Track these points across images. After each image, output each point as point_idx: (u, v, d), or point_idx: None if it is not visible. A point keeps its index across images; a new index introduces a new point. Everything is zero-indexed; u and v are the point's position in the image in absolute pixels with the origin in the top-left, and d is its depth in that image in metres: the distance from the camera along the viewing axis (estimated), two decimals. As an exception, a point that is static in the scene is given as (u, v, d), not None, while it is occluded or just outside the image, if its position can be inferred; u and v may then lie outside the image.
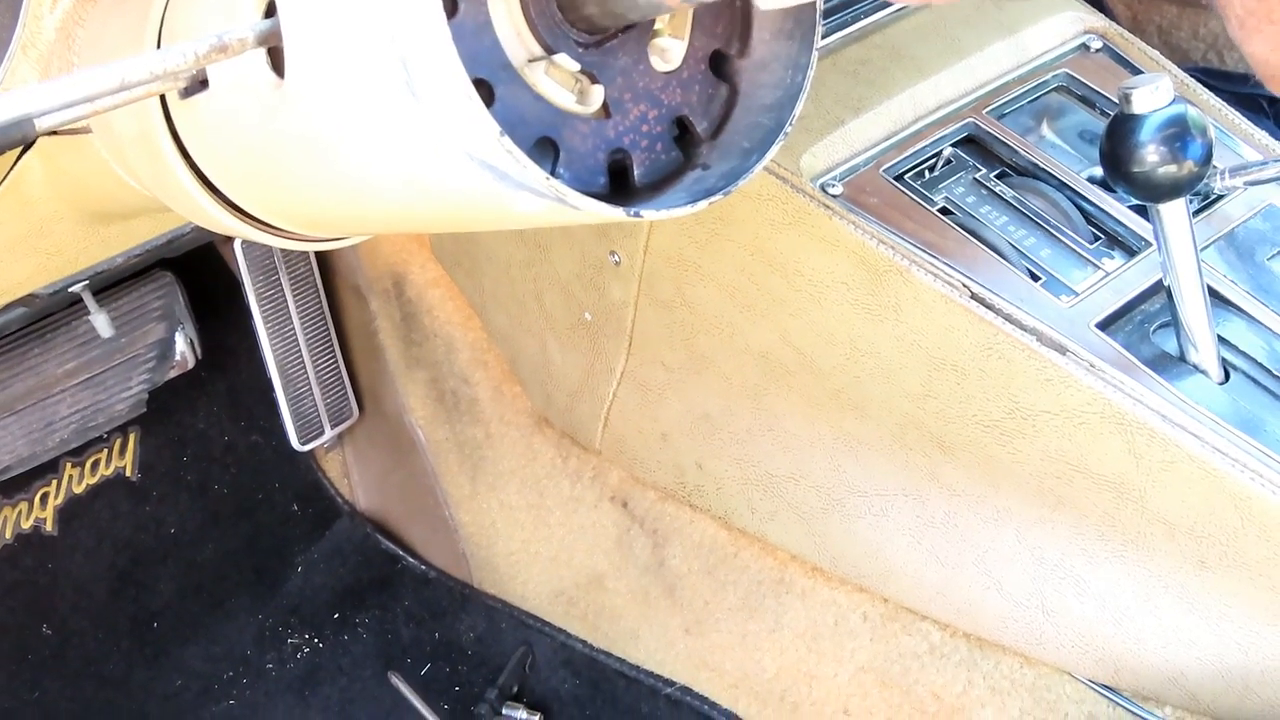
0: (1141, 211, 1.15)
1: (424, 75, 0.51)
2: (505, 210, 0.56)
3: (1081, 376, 1.02)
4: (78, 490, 1.49)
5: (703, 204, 0.57)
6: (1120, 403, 1.01)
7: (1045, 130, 1.27)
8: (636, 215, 0.54)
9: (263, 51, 0.61)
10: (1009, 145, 1.20)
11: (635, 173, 0.59)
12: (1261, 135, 1.22)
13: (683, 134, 0.61)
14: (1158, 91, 0.97)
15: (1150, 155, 0.97)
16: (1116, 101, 1.03)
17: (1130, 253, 1.14)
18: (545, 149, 0.56)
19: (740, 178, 0.57)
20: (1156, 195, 0.99)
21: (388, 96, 0.53)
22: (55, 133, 0.89)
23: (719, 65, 0.61)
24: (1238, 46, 0.49)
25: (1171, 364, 1.04)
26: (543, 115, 0.56)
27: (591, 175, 0.57)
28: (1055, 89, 1.27)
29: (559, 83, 0.56)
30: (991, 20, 1.29)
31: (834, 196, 1.12)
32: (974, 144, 1.22)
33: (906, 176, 1.17)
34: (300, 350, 1.55)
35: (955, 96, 1.23)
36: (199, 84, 0.66)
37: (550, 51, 0.56)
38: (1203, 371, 1.04)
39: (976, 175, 1.18)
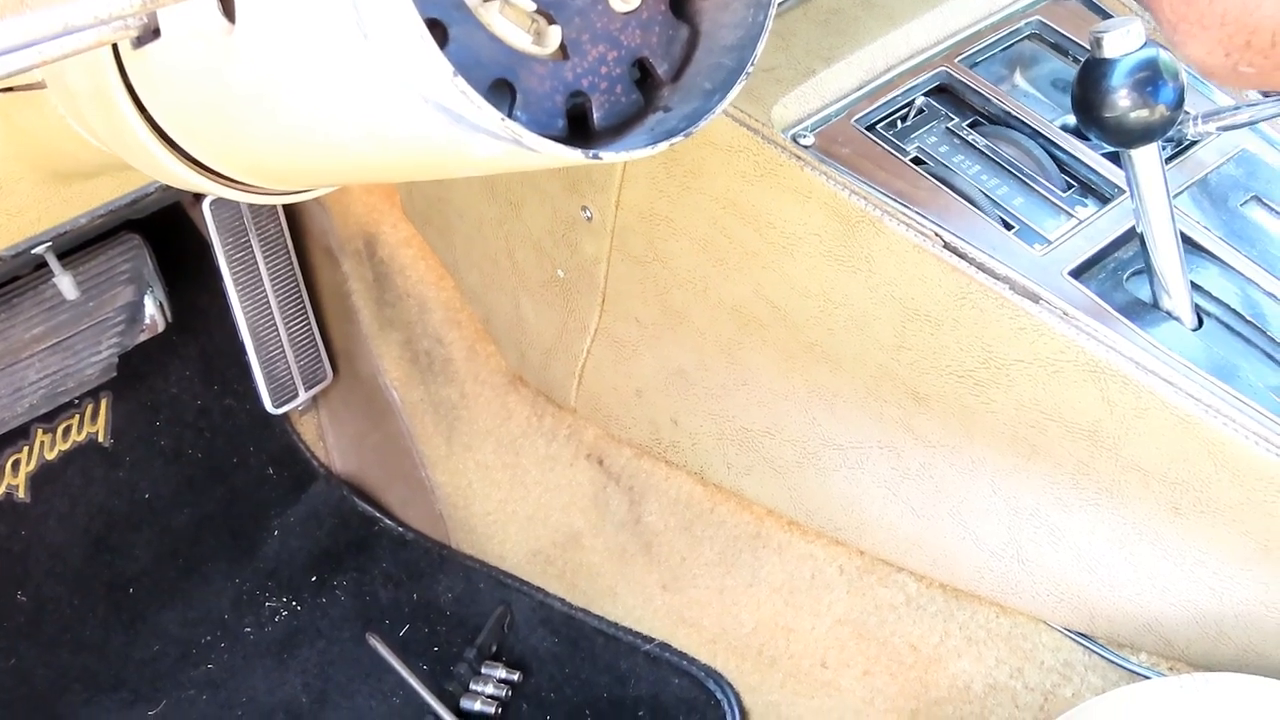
0: (1114, 159, 1.14)
1: (375, 15, 0.50)
2: (463, 155, 0.55)
3: (1055, 325, 1.01)
4: (50, 457, 1.47)
5: (663, 145, 0.56)
6: (1094, 350, 1.00)
7: (1018, 79, 1.27)
8: (595, 157, 0.53)
9: (212, -3, 0.60)
10: (981, 94, 1.19)
11: (595, 115, 0.57)
12: (1234, 80, 1.21)
13: (643, 76, 0.59)
14: (1129, 35, 0.96)
15: (1122, 100, 0.96)
16: (1088, 47, 1.02)
17: (1103, 200, 1.13)
18: (502, 91, 0.55)
19: (701, 118, 0.56)
20: (1128, 140, 0.98)
21: (339, 39, 0.52)
22: (9, 90, 0.87)
23: (679, 5, 0.60)
24: (1171, 50, 0.48)
25: (1145, 311, 1.04)
26: (498, 56, 0.55)
27: (550, 118, 0.56)
28: (1028, 36, 1.26)
29: (514, 22, 0.55)
30: (963, -31, 1.27)
31: (805, 147, 1.11)
32: (946, 93, 1.21)
33: (879, 126, 1.16)
34: (272, 313, 1.54)
35: (927, 45, 1.22)
36: (151, 33, 0.65)
37: (504, -15, 0.55)
38: (1176, 318, 1.03)
39: (949, 125, 1.18)
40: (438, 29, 0.53)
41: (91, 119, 0.80)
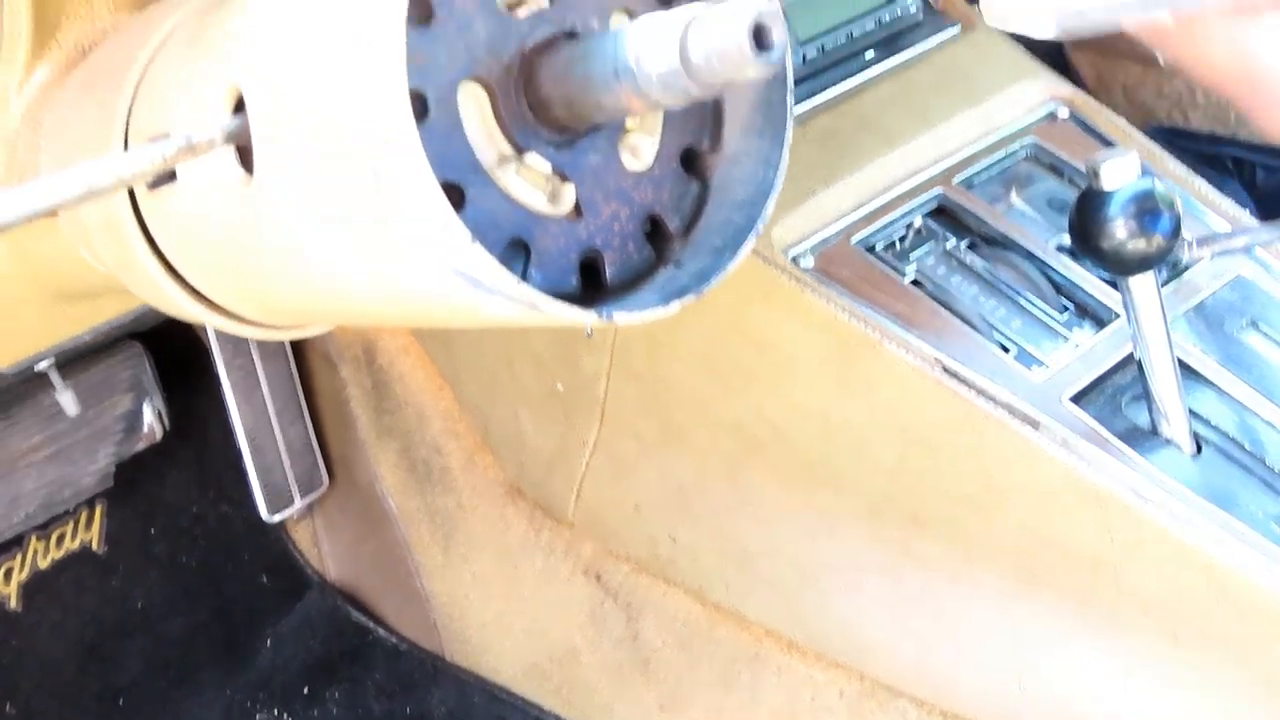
0: (1111, 282, 1.15)
1: (394, 182, 0.51)
2: (477, 313, 0.55)
3: (1055, 452, 1.02)
4: (42, 565, 1.46)
5: (675, 305, 0.56)
6: (1093, 478, 1.01)
7: (1015, 199, 1.28)
8: (609, 319, 0.54)
9: (231, 148, 0.60)
10: (978, 215, 1.20)
11: (607, 272, 0.58)
12: (1228, 204, 1.23)
13: (655, 231, 0.60)
14: (1126, 166, 0.97)
15: (1119, 230, 0.97)
16: (1085, 171, 1.04)
17: (1100, 323, 1.14)
18: (517, 250, 0.56)
19: (711, 277, 0.57)
20: (1126, 269, 0.99)
21: (357, 200, 0.53)
22: (21, 217, 0.88)
23: (690, 161, 0.61)
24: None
25: (1143, 437, 1.04)
26: (514, 217, 0.55)
27: (563, 275, 0.57)
28: (1025, 158, 1.28)
29: (530, 184, 0.56)
30: (959, 89, 1.30)
31: (806, 270, 1.12)
32: (945, 214, 1.22)
33: (878, 248, 1.17)
34: (270, 419, 1.54)
35: (924, 165, 1.24)
36: (167, 177, 0.66)
37: (521, 151, 0.56)
38: (1175, 445, 1.04)
39: (947, 246, 1.19)
40: (454, 191, 0.53)
41: (101, 248, 0.81)
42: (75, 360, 1.37)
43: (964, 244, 1.19)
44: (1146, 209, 0.97)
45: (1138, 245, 0.97)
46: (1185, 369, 1.09)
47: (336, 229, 0.55)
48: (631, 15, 0.59)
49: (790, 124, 0.60)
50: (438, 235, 0.51)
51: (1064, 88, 1.31)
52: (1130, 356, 1.09)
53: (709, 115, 0.61)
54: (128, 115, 0.70)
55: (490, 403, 1.47)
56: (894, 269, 1.15)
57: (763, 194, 0.60)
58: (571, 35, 0.57)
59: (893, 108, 1.26)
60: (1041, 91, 1.30)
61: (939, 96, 1.28)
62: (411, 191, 0.50)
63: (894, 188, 1.21)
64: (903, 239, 1.20)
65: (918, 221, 1.21)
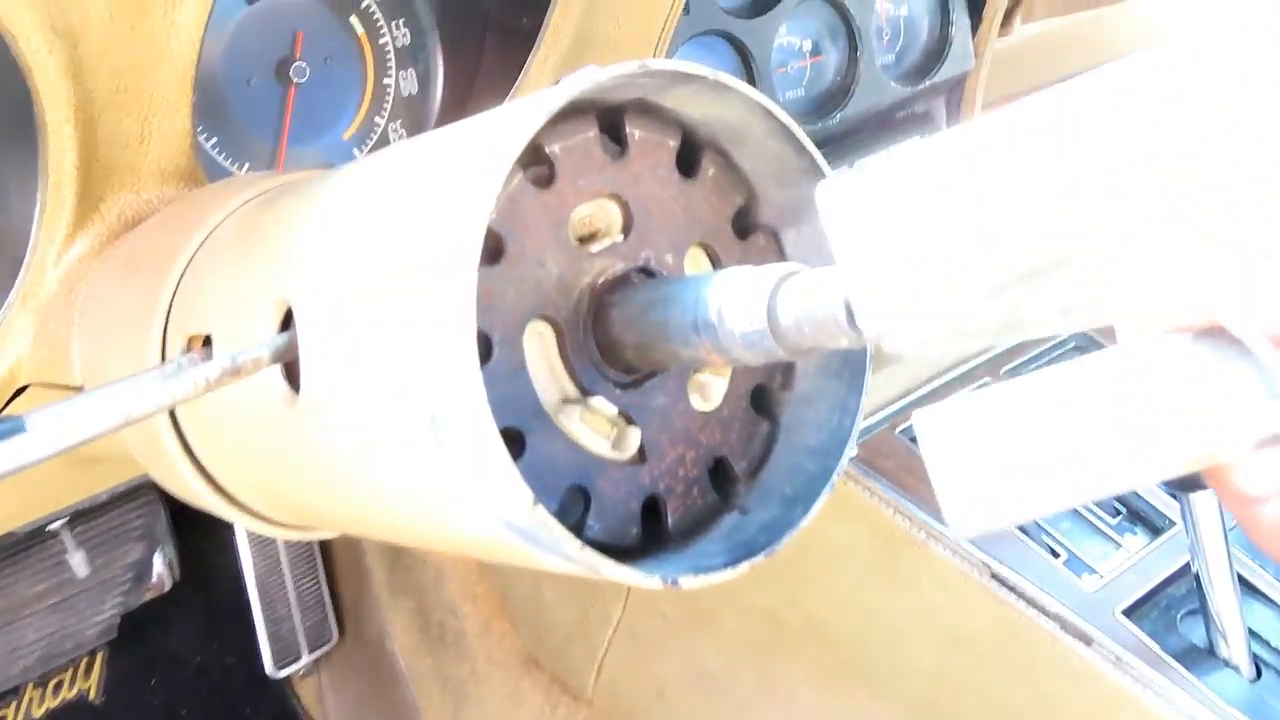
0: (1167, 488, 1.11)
1: (452, 428, 0.47)
2: (531, 563, 0.51)
3: (1108, 670, 0.97)
4: (36, 714, 1.41)
5: (744, 566, 0.52)
6: (1148, 701, 0.96)
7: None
8: (674, 584, 0.50)
9: (278, 366, 0.57)
10: (1027, 408, 1.17)
11: (669, 520, 0.54)
12: None
13: (719, 471, 0.57)
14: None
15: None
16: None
17: (1154, 530, 1.10)
18: (575, 497, 0.52)
19: (783, 534, 0.53)
20: (1187, 485, 0.96)
21: (409, 437, 0.49)
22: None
23: (760, 398, 0.58)
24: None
25: (1201, 658, 0.99)
26: (576, 462, 0.52)
27: (624, 525, 0.53)
28: (1074, 346, 1.25)
29: (594, 428, 0.52)
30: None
31: (850, 459, 1.08)
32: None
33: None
34: (282, 569, 1.49)
35: (970, 352, 1.21)
36: (205, 383, 0.62)
37: (586, 393, 0.52)
38: (1233, 667, 0.99)
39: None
40: (515, 438, 0.50)
41: (130, 438, 0.77)
42: (89, 509, 1.33)
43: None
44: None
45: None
46: (1244, 585, 1.04)
47: (384, 460, 0.52)
48: (708, 250, 0.56)
49: (870, 369, 0.57)
50: (496, 490, 0.47)
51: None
52: (1186, 567, 1.05)
53: (782, 350, 0.58)
54: (169, 308, 0.67)
55: (511, 567, 1.42)
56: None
57: (838, 441, 0.56)
58: (645, 271, 0.54)
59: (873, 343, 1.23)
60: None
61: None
62: (470, 442, 0.47)
63: (941, 375, 1.18)
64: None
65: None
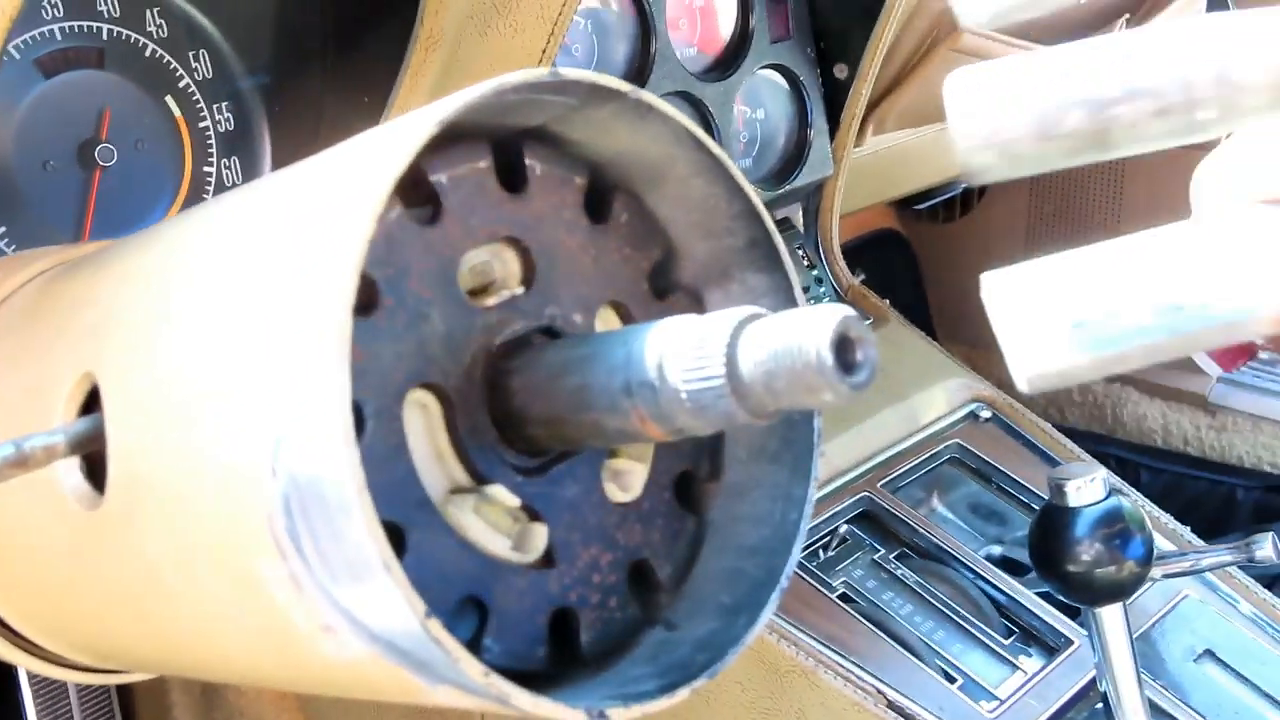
0: (1049, 598, 1.05)
1: (315, 521, 0.36)
2: (410, 698, 0.40)
3: (1020, 805, 0.88)
4: None
5: (683, 691, 0.42)
6: (1067, 839, 0.87)
7: (936, 503, 1.18)
8: (601, 717, 0.39)
9: (76, 458, 0.45)
10: (906, 522, 1.10)
11: (583, 637, 0.44)
12: (1168, 520, 1.15)
13: (639, 577, 0.46)
14: (1093, 483, 0.88)
15: (1086, 553, 0.87)
16: (1010, 475, 0.94)
17: (1049, 650, 1.03)
18: (467, 610, 0.41)
19: (728, 651, 0.43)
20: (1095, 598, 0.89)
21: (254, 539, 0.38)
22: None
23: (683, 489, 0.48)
24: None
25: (1113, 785, 0.91)
26: (468, 567, 0.41)
27: (528, 644, 0.42)
28: (948, 460, 1.19)
29: (491, 524, 0.41)
30: (879, 387, 1.20)
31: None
32: (870, 520, 1.11)
33: (801, 558, 1.05)
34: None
35: (848, 467, 1.13)
36: (-19, 485, 0.49)
37: (482, 481, 0.42)
38: (1147, 792, 0.91)
39: (875, 556, 1.07)
40: (393, 536, 0.39)
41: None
42: None
43: (893, 554, 1.08)
44: (1118, 531, 0.87)
45: (1108, 572, 0.87)
46: (1152, 707, 0.97)
47: (215, 573, 0.40)
48: (620, 311, 0.46)
49: (819, 450, 0.48)
50: (374, 602, 0.36)
51: (985, 388, 1.24)
52: (1086, 688, 0.98)
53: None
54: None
55: (364, 705, 1.27)
56: (821, 581, 1.02)
57: (784, 539, 0.46)
58: (550, 332, 0.44)
59: (856, 400, 1.16)
60: (963, 390, 1.23)
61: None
62: (341, 539, 0.35)
63: (817, 492, 1.10)
64: (826, 547, 1.08)
65: (843, 528, 1.09)
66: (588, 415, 0.40)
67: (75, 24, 0.87)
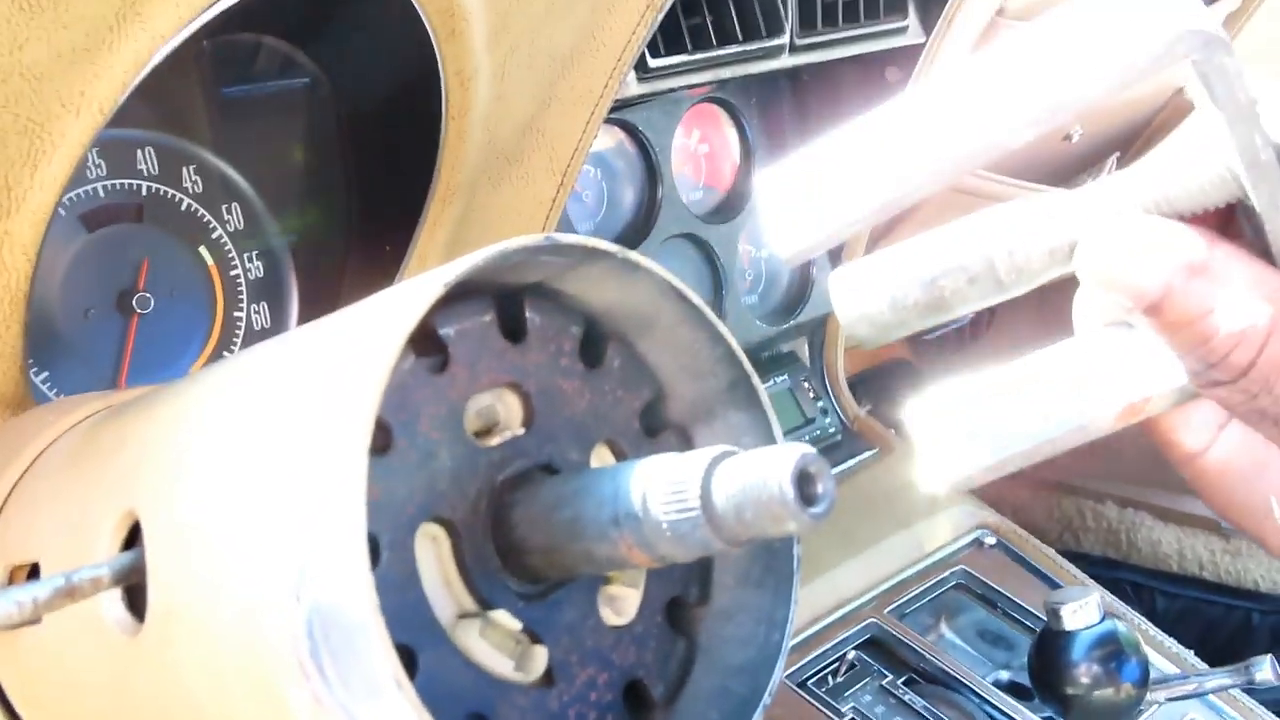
0: (1057, 722, 1.07)
1: (336, 649, 0.40)
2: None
3: None
4: None
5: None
6: None
7: (944, 629, 1.21)
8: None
9: (118, 590, 0.49)
10: (913, 648, 1.12)
11: (581, 754, 0.47)
12: (1171, 644, 1.17)
13: (633, 696, 0.50)
14: (1087, 607, 0.91)
15: (1084, 676, 0.90)
16: (1015, 600, 0.97)
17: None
18: (472, 727, 0.45)
19: (716, 765, 0.47)
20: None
21: (280, 666, 0.42)
22: None
23: (674, 613, 0.52)
24: None
25: None
26: (474, 686, 0.45)
27: (530, 760, 0.46)
28: (954, 586, 1.22)
29: (495, 646, 0.45)
30: (884, 512, 1.25)
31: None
32: (877, 646, 1.13)
33: (810, 683, 1.08)
34: None
35: (854, 595, 1.16)
36: (28, 618, 0.53)
37: (487, 606, 0.46)
38: None
39: (883, 682, 1.10)
40: (406, 658, 0.43)
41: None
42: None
43: (900, 680, 1.10)
44: (1113, 653, 0.90)
45: (1105, 694, 0.90)
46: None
47: (251, 705, 0.44)
48: (614, 449, 0.51)
49: (798, 575, 0.51)
50: (389, 716, 0.40)
51: (989, 514, 1.27)
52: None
53: (696, 560, 0.52)
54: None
55: None
56: (830, 708, 1.04)
57: (766, 659, 0.50)
58: (549, 469, 0.48)
59: (818, 531, 1.19)
60: (968, 517, 1.26)
61: (864, 520, 1.22)
62: (358, 661, 0.39)
63: (824, 618, 1.13)
64: (835, 673, 1.11)
65: (851, 654, 1.12)
66: (580, 544, 0.44)
67: (117, 182, 0.93)
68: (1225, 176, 0.44)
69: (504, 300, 0.49)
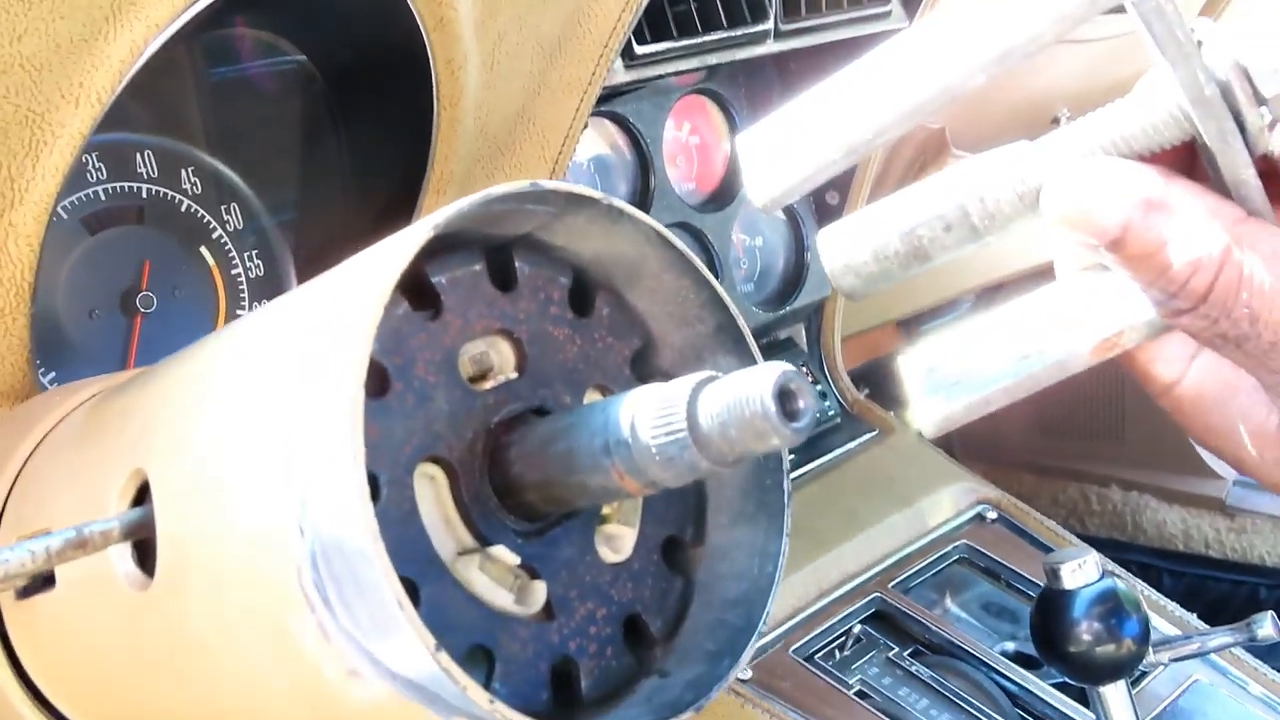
0: (1064, 689, 1.08)
1: (339, 578, 0.41)
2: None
3: None
4: None
5: (673, 724, 0.47)
6: None
7: (949, 603, 1.22)
8: (599, 746, 0.44)
9: (128, 545, 0.51)
10: (919, 621, 1.13)
11: (583, 684, 0.49)
12: (1174, 607, 1.18)
13: (633, 631, 0.51)
14: (1085, 566, 0.92)
15: (1085, 634, 0.91)
16: (1018, 572, 0.98)
17: (1062, 738, 1.05)
18: (477, 659, 0.46)
19: (711, 688, 0.48)
20: (1096, 677, 0.92)
21: (286, 598, 0.43)
22: None
23: (671, 553, 0.53)
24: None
25: None
26: (476, 619, 0.46)
27: (533, 689, 0.47)
28: (957, 560, 1.23)
29: (495, 580, 0.47)
30: (885, 491, 1.26)
31: (743, 681, 1.02)
32: (883, 619, 1.15)
33: (817, 657, 1.09)
34: None
35: (858, 570, 1.17)
36: (41, 583, 0.55)
37: (485, 543, 0.47)
38: None
39: (889, 654, 1.11)
40: (408, 588, 0.44)
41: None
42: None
43: (907, 652, 1.11)
44: (1113, 610, 0.91)
45: (1107, 650, 0.91)
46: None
47: (259, 643, 0.45)
48: (605, 393, 0.52)
49: (790, 508, 0.53)
50: (393, 643, 0.41)
51: (989, 490, 1.28)
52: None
53: (691, 501, 0.54)
54: (6, 496, 0.60)
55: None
56: (837, 680, 1.05)
57: (761, 590, 0.51)
58: (542, 411, 0.50)
59: (822, 511, 1.21)
60: (968, 493, 1.27)
61: (866, 499, 1.24)
62: (362, 589, 0.41)
63: (829, 593, 1.14)
64: (842, 646, 1.12)
65: (856, 628, 1.13)
66: (574, 477, 0.45)
67: (117, 185, 0.94)
68: (1176, 115, 0.47)
69: (494, 252, 0.50)
